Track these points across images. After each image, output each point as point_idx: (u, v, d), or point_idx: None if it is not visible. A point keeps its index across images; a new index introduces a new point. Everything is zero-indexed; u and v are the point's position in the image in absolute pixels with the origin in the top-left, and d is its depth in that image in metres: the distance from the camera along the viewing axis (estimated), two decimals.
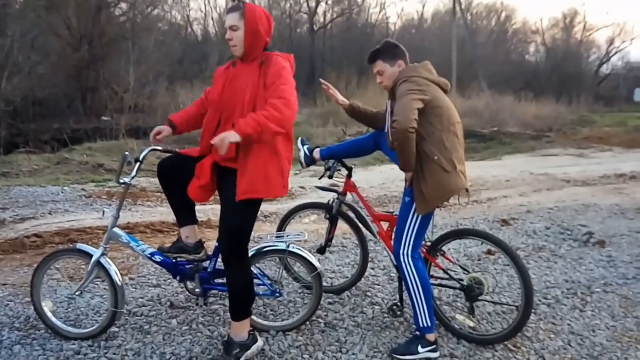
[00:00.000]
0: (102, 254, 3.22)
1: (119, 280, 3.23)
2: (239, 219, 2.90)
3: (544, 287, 4.19)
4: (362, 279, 4.09)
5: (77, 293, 3.37)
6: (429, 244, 3.45)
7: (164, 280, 4.20)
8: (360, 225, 3.81)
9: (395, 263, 3.33)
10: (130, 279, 4.27)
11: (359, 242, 3.99)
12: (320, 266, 3.41)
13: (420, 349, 3.13)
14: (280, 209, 6.49)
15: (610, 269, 4.61)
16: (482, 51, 31.65)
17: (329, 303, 3.82)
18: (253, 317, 3.30)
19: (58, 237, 5.31)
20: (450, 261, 3.56)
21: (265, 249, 3.32)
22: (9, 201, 6.61)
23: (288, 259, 3.77)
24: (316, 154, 3.73)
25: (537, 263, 4.75)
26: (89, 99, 18.79)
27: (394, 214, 3.55)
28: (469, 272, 3.48)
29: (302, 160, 3.77)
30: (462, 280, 3.40)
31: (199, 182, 2.98)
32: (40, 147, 12.34)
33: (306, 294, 3.88)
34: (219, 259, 3.09)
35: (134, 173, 3.17)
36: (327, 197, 3.86)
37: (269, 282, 3.36)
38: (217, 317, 3.58)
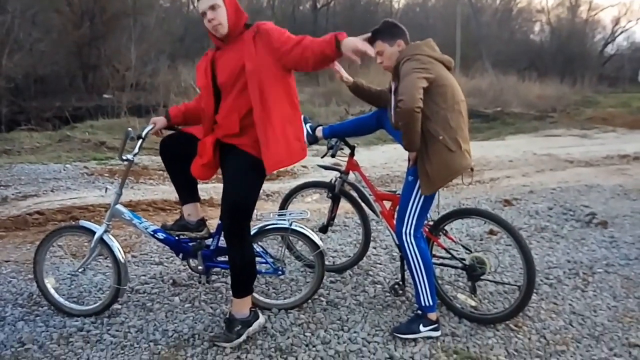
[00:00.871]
0: (105, 231, 3.22)
1: (122, 257, 3.24)
2: (241, 195, 2.90)
3: (545, 267, 4.19)
4: (364, 258, 4.09)
5: (80, 270, 3.38)
6: (431, 223, 3.45)
7: (167, 258, 4.21)
8: (363, 205, 3.80)
9: (397, 242, 3.33)
10: (133, 256, 4.28)
11: (361, 221, 3.98)
12: (323, 245, 3.41)
13: (421, 327, 3.14)
14: (283, 187, 6.49)
15: (612, 249, 4.60)
16: (487, 30, 31.34)
17: (331, 282, 3.83)
18: (255, 295, 3.32)
19: (60, 215, 5.33)
20: (453, 241, 3.56)
21: (267, 227, 3.32)
22: (11, 179, 6.61)
23: (290, 238, 3.77)
24: (319, 132, 3.71)
25: (540, 243, 4.74)
26: (91, 77, 18.70)
27: (396, 193, 3.55)
28: (471, 251, 3.47)
29: (305, 139, 3.74)
30: (464, 259, 3.39)
31: (201, 160, 2.97)
32: (42, 125, 12.30)
33: (308, 273, 3.89)
34: (222, 237, 3.09)
35: (136, 150, 3.16)
36: (330, 176, 3.84)
37: (271, 260, 3.36)
38: (220, 295, 3.60)
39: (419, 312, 3.20)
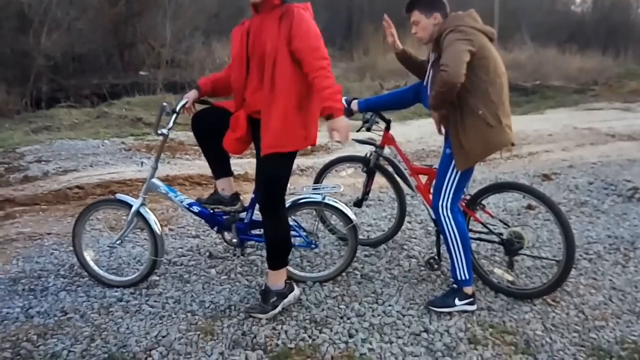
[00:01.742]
0: (142, 204, 3.27)
1: (159, 229, 3.29)
2: (274, 169, 2.90)
3: (585, 242, 4.10)
4: (399, 232, 4.06)
5: (117, 242, 3.45)
6: (468, 197, 3.39)
7: (203, 232, 4.27)
8: (398, 179, 3.76)
9: (433, 217, 3.30)
10: (170, 229, 4.35)
11: (396, 195, 3.95)
12: (356, 218, 3.39)
13: (457, 301, 3.12)
14: (317, 162, 6.48)
15: None
16: (526, 1, 30.48)
17: (365, 256, 3.82)
18: (290, 268, 3.34)
19: (99, 189, 5.44)
20: (491, 215, 3.50)
21: (301, 201, 3.32)
22: (51, 154, 6.76)
23: (324, 212, 3.77)
24: (354, 105, 3.66)
25: (579, 218, 4.64)
26: (127, 55, 18.87)
27: (433, 167, 3.49)
28: (509, 226, 3.41)
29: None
30: (501, 234, 3.34)
31: (234, 135, 2.97)
32: (80, 102, 12.49)
33: (342, 246, 3.89)
34: (256, 211, 3.10)
35: (171, 124, 3.18)
36: (364, 150, 3.81)
37: (304, 234, 3.37)
38: (255, 268, 3.63)
39: (455, 285, 3.18)
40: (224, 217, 3.28)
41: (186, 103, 3.19)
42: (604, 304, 3.24)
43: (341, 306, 3.18)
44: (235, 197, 3.26)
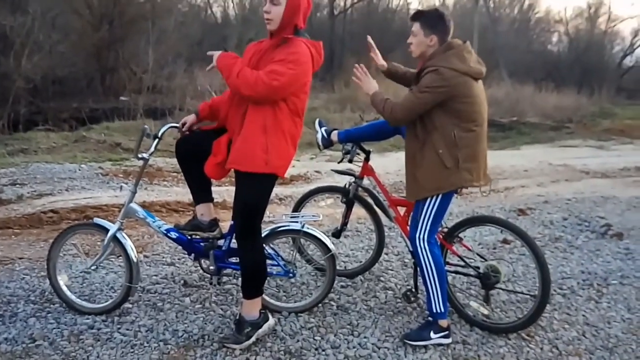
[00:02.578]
0: (119, 229, 3.23)
1: (135, 255, 3.25)
2: (253, 196, 2.91)
3: (559, 277, 4.14)
4: (376, 263, 4.07)
5: (92, 268, 3.41)
6: (445, 230, 3.42)
7: (179, 259, 4.22)
8: (377, 210, 3.78)
9: (410, 249, 3.31)
10: (145, 256, 4.30)
11: (375, 226, 3.96)
12: (335, 248, 3.39)
13: (432, 334, 3.11)
14: (296, 192, 6.49)
15: (627, 261, 4.54)
16: (504, 40, 31.18)
17: (342, 286, 3.81)
18: (266, 297, 3.31)
19: (74, 214, 5.36)
20: (468, 248, 3.52)
21: (279, 229, 3.32)
22: (27, 177, 6.67)
23: (302, 241, 3.76)
24: (334, 136, 3.68)
25: (554, 253, 4.69)
26: (108, 79, 18.86)
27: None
28: (485, 259, 3.44)
29: (320, 143, 3.72)
30: (478, 267, 3.36)
31: (215, 159, 2.98)
32: (59, 126, 12.41)
33: (319, 277, 3.88)
34: (234, 238, 3.09)
35: (152, 149, 3.17)
36: (343, 180, 3.83)
37: (282, 262, 3.35)
38: (230, 297, 3.60)
39: (430, 318, 3.18)
40: (202, 243, 3.25)
41: (169, 128, 3.20)
42: (578, 340, 3.27)
43: (316, 337, 3.15)
44: (214, 223, 3.24)
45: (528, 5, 37.92)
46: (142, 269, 3.92)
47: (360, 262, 4.21)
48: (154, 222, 3.29)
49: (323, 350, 3.03)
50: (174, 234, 3.25)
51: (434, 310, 3.14)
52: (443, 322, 3.15)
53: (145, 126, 3.16)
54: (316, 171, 8.02)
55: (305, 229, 3.29)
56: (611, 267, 4.39)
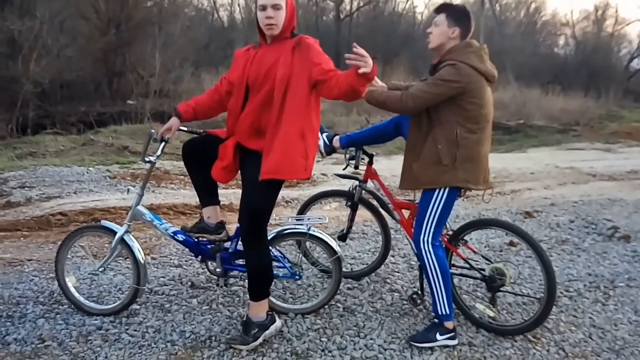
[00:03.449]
0: (126, 231, 3.26)
1: (142, 257, 3.27)
2: (259, 199, 2.92)
3: (566, 279, 4.14)
4: (382, 266, 4.08)
5: (100, 270, 3.43)
6: (450, 233, 3.43)
7: (186, 261, 4.25)
8: (383, 212, 3.79)
9: (415, 251, 3.32)
10: (153, 258, 4.32)
11: (381, 229, 3.97)
12: (341, 250, 3.41)
13: (438, 336, 3.12)
14: (302, 195, 6.50)
15: (634, 264, 4.53)
16: (510, 43, 31.14)
17: (348, 288, 3.83)
18: (272, 299, 3.33)
19: (83, 216, 5.40)
20: (473, 251, 3.53)
21: (285, 231, 3.33)
22: (35, 180, 6.72)
23: (307, 243, 3.78)
24: (336, 142, 3.67)
25: (560, 256, 4.69)
26: (116, 83, 18.96)
27: (415, 202, 3.53)
28: (491, 262, 3.44)
29: (322, 150, 3.70)
30: (483, 270, 3.36)
31: (222, 163, 3.00)
32: (67, 129, 12.49)
33: (325, 279, 3.89)
34: (240, 240, 3.11)
35: (159, 152, 3.20)
36: (347, 184, 3.84)
37: (289, 264, 3.37)
38: (237, 299, 3.61)
39: (436, 320, 3.18)
40: (209, 246, 3.28)
41: (176, 131, 3.22)
42: (584, 342, 3.26)
43: (323, 339, 3.17)
44: (221, 225, 3.26)
45: (534, 8, 37.89)
46: (150, 270, 3.95)
47: (367, 264, 4.22)
48: (161, 224, 3.31)
49: (329, 352, 3.04)
50: (180, 237, 3.27)
51: (440, 312, 3.15)
52: (449, 324, 3.15)
53: (153, 130, 3.18)
54: (322, 174, 8.04)
55: (311, 232, 3.31)
56: (618, 270, 4.38)
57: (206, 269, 3.40)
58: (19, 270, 4.09)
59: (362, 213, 3.99)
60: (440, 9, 3.14)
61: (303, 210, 4.02)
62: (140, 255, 3.26)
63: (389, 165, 8.33)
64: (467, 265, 3.44)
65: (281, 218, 3.38)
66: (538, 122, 15.58)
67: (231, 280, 3.76)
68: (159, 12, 20.64)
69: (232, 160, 2.98)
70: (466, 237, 3.45)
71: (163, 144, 3.19)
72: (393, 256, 4.46)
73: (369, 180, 3.72)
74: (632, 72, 34.40)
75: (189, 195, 6.21)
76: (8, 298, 3.59)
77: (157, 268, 4.14)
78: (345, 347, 3.09)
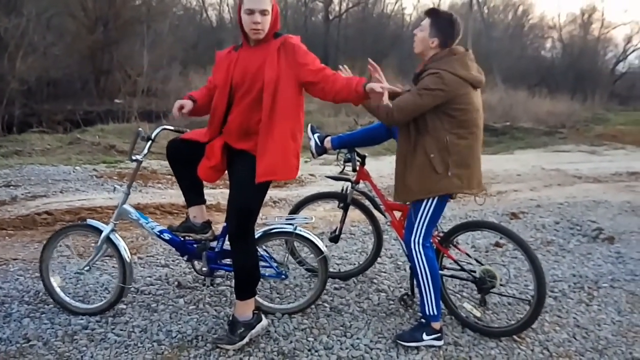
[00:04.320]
0: (112, 230, 3.25)
1: (128, 256, 3.26)
2: (249, 199, 2.92)
3: (550, 280, 4.17)
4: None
5: (85, 269, 3.40)
6: (441, 235, 3.44)
7: (172, 261, 4.24)
8: (375, 213, 3.80)
9: (406, 252, 3.32)
10: (139, 258, 4.31)
11: (374, 229, 3.96)
12: (327, 250, 3.41)
13: (425, 336, 3.13)
14: (290, 195, 6.51)
15: (618, 265, 4.58)
16: (498, 45, 31.39)
17: (335, 288, 3.83)
18: (259, 299, 3.33)
19: (69, 215, 5.37)
20: (465, 253, 3.54)
21: (272, 231, 3.33)
22: (21, 179, 6.67)
23: (294, 243, 3.78)
24: (327, 143, 3.66)
25: (545, 257, 4.73)
26: (103, 82, 18.87)
27: (406, 203, 3.53)
28: (481, 264, 3.45)
29: (313, 150, 3.69)
30: (474, 272, 3.37)
31: (209, 163, 2.99)
32: (53, 128, 12.41)
33: (312, 278, 3.90)
34: (227, 240, 3.11)
35: (145, 151, 3.19)
36: (337, 185, 3.85)
37: (275, 264, 3.37)
38: (224, 298, 3.61)
39: (423, 320, 3.20)
40: (195, 245, 3.27)
41: (162, 130, 3.21)
42: (568, 342, 3.30)
43: (309, 339, 3.17)
44: (207, 225, 3.26)
45: (522, 11, 38.20)
46: (136, 270, 3.93)
47: (354, 264, 4.22)
48: (147, 223, 3.30)
49: (316, 351, 3.04)
50: (167, 235, 3.27)
51: (427, 313, 3.16)
52: (436, 325, 3.17)
53: (140, 129, 3.17)
54: (310, 174, 8.05)
55: (297, 231, 3.31)
56: (602, 271, 4.43)
57: (192, 269, 3.39)
58: (4, 269, 4.05)
59: (349, 214, 3.99)
60: (428, 13, 3.15)
61: (295, 212, 4.00)
62: (126, 254, 3.24)
63: (377, 166, 8.35)
64: (458, 267, 3.45)
65: (268, 218, 3.37)
66: (525, 124, 15.71)
67: (218, 280, 3.76)
68: (147, 10, 20.57)
69: (219, 160, 2.98)
70: (457, 239, 3.47)
71: (149, 142, 3.18)
72: (380, 257, 4.45)
73: (361, 182, 3.72)
74: (618, 76, 34.80)
75: (175, 195, 6.19)
76: None
77: (144, 267, 4.12)
78: (332, 346, 3.09)
